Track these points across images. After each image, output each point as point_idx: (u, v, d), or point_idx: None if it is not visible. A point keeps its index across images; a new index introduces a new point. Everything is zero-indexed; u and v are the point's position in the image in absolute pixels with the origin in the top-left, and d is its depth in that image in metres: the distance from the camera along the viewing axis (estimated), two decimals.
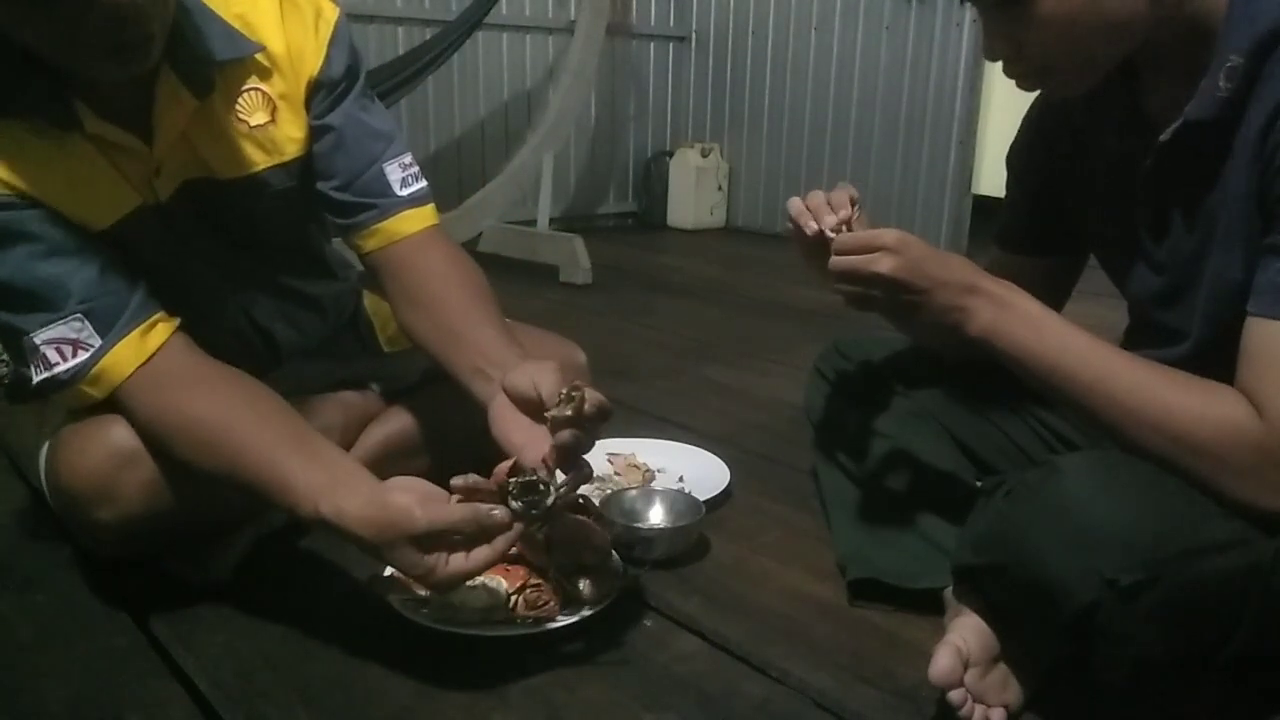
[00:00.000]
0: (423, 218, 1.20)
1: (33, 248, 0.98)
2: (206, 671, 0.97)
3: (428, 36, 3.31)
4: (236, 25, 1.08)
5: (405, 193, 1.18)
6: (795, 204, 0.97)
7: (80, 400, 1.03)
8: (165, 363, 1.03)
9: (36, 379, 1.00)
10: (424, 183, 1.21)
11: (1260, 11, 0.81)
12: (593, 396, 0.94)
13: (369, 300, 1.47)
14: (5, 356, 1.88)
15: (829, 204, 0.96)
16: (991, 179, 3.76)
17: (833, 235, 0.93)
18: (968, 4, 0.89)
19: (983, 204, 3.47)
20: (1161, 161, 0.90)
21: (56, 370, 0.99)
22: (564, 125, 3.47)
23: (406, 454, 1.32)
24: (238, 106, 1.10)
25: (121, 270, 1.03)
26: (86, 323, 0.99)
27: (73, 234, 1.01)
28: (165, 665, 0.99)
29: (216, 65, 1.05)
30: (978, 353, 0.92)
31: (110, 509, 1.02)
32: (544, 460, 0.93)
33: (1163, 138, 0.88)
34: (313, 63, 1.13)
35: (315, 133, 1.16)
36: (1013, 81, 0.92)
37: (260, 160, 1.13)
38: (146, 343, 1.02)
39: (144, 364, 1.01)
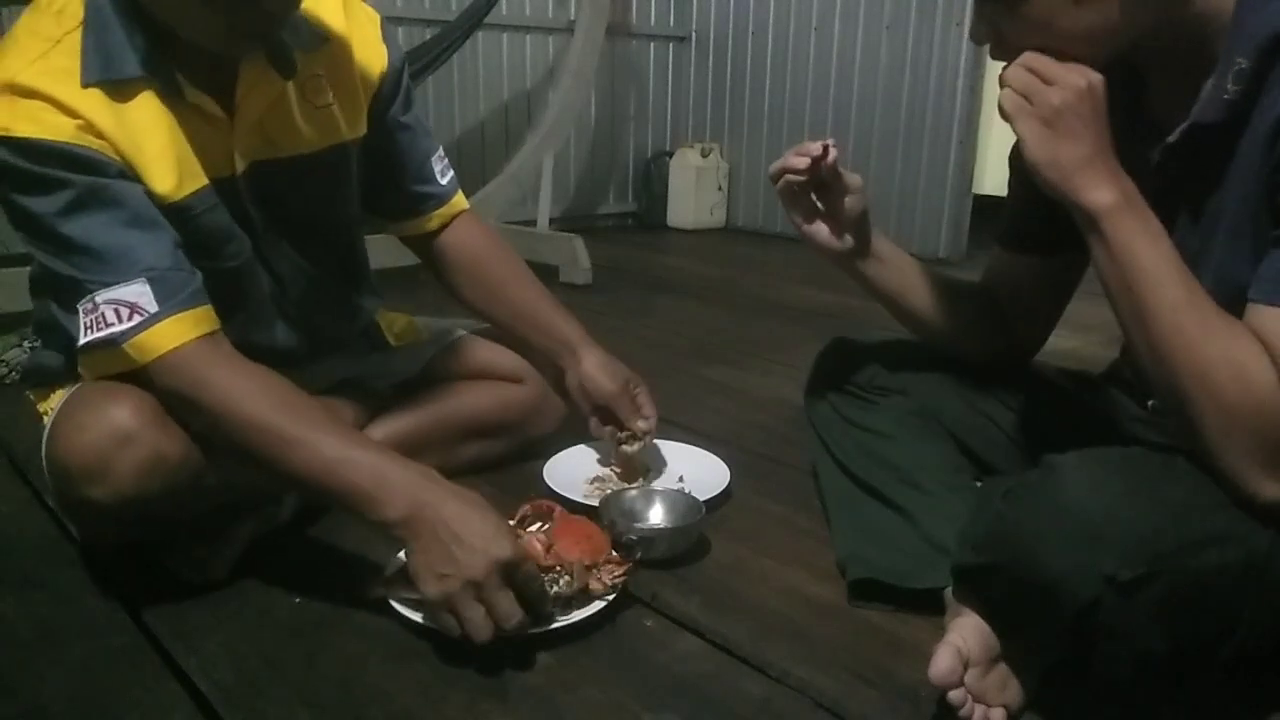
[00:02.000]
0: (461, 201, 1.41)
1: (113, 214, 1.01)
2: (206, 671, 0.97)
3: (428, 36, 3.30)
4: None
5: (445, 181, 1.38)
6: (779, 163, 1.08)
7: (115, 364, 1.03)
8: (210, 344, 1.04)
9: (86, 338, 1.01)
10: (451, 170, 1.40)
11: (1269, 14, 0.81)
12: (649, 425, 1.39)
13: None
14: (6, 357, 1.89)
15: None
16: (992, 178, 3.75)
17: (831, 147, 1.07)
18: (967, 2, 0.89)
19: (983, 204, 3.47)
20: (1168, 162, 0.90)
21: (111, 330, 1.00)
22: (564, 125, 3.46)
23: (408, 454, 1.32)
24: (305, 89, 1.17)
25: (187, 256, 1.06)
26: (148, 288, 1.00)
27: (152, 209, 1.04)
28: (165, 665, 0.99)
29: (302, 49, 1.13)
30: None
31: (102, 487, 1.02)
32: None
33: (1170, 139, 0.88)
34: (376, 57, 1.25)
35: (396, 128, 1.30)
36: None
37: (321, 139, 1.20)
38: (196, 325, 1.03)
39: (186, 343, 1.02)
